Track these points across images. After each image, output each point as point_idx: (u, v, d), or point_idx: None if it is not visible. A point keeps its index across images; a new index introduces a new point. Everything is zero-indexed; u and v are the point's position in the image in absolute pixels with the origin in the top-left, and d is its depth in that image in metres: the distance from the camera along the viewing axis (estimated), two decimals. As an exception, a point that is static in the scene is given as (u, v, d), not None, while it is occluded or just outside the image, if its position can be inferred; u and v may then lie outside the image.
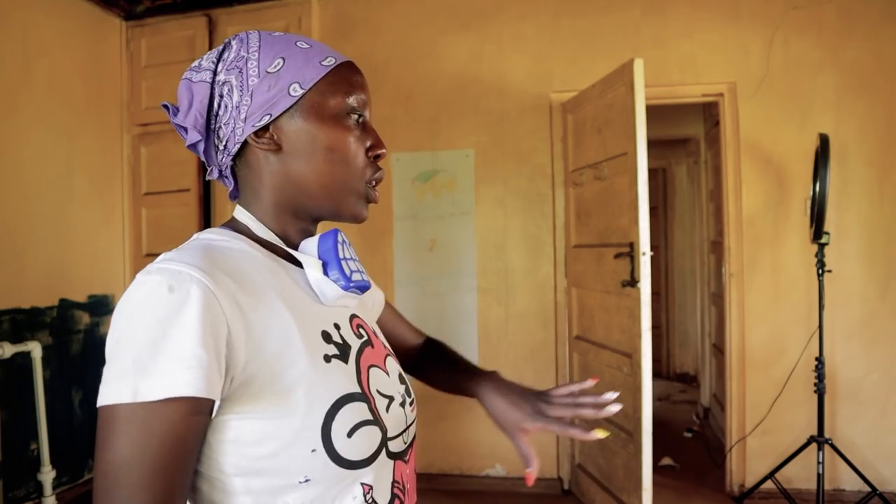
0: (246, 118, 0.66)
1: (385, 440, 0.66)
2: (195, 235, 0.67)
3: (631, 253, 2.41)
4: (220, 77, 0.67)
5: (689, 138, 4.84)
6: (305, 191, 0.68)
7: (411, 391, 0.77)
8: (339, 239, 0.69)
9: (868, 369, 2.83)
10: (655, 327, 2.94)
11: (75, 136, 3.12)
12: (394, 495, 0.67)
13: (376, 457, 0.64)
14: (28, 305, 2.80)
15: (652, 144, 2.56)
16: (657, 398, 4.51)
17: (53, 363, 2.91)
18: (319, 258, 0.68)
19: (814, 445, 2.65)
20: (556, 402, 0.79)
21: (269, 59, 0.66)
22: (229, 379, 0.55)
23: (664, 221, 5.54)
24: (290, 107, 0.66)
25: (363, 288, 0.70)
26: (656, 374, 4.38)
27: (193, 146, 0.69)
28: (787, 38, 2.87)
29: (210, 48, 3.35)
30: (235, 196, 0.72)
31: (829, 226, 2.67)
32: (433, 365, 0.96)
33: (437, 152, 3.17)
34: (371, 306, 0.87)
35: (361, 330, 0.73)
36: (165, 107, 0.70)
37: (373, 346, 0.73)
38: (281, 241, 0.69)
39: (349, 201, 0.69)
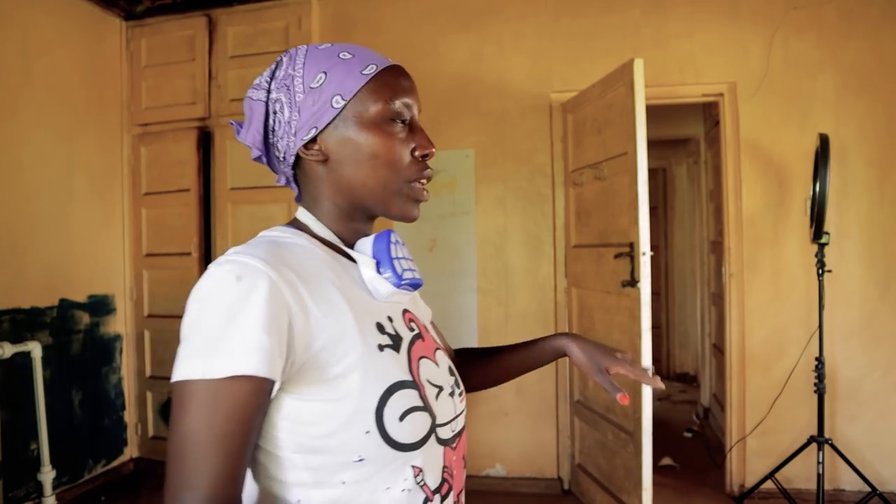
0: (296, 132, 0.71)
1: (434, 426, 0.70)
2: (261, 233, 0.72)
3: (631, 253, 2.41)
4: (273, 95, 0.72)
5: (689, 138, 4.84)
6: (355, 195, 0.72)
7: (460, 383, 0.80)
8: (393, 239, 0.73)
9: (868, 369, 2.83)
10: (655, 327, 2.93)
11: (75, 137, 3.12)
12: (443, 480, 0.71)
13: (426, 441, 0.68)
14: (28, 305, 2.80)
15: (652, 144, 2.56)
16: (657, 398, 4.51)
17: (53, 363, 2.91)
18: (373, 257, 0.72)
19: (814, 445, 2.65)
20: (620, 361, 0.91)
21: (312, 74, 0.70)
22: (290, 363, 0.60)
23: (664, 221, 5.54)
24: (334, 118, 0.70)
25: (415, 285, 0.75)
26: (656, 375, 4.37)
27: (258, 159, 0.77)
28: (787, 38, 2.87)
29: (210, 48, 3.35)
30: (299, 200, 0.78)
31: (829, 226, 2.67)
32: (482, 361, 0.99)
33: (438, 152, 3.16)
34: (423, 308, 0.92)
35: (413, 324, 0.77)
36: (233, 124, 0.78)
37: (423, 340, 0.77)
38: (339, 240, 0.74)
39: (396, 202, 0.72)
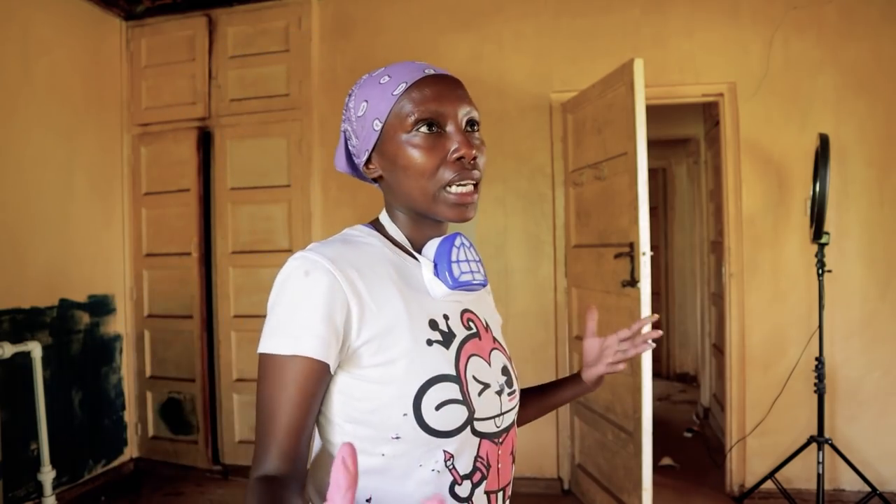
0: (358, 155, 0.82)
1: (471, 419, 0.75)
2: (344, 230, 0.84)
3: (631, 253, 2.41)
4: (345, 125, 0.84)
5: (689, 138, 4.84)
6: (407, 204, 0.80)
7: (513, 383, 0.85)
8: (457, 243, 0.79)
9: (868, 369, 2.83)
10: (655, 327, 2.93)
11: (75, 137, 3.12)
12: (476, 468, 0.77)
13: (460, 431, 0.74)
14: (28, 305, 2.81)
15: (652, 144, 2.56)
16: (657, 398, 4.51)
17: (53, 363, 2.91)
18: (433, 260, 0.79)
19: (814, 445, 2.65)
20: (607, 356, 0.99)
21: (358, 104, 0.80)
22: (346, 347, 0.71)
23: (664, 221, 5.54)
24: (377, 140, 0.78)
25: (471, 287, 0.79)
26: (656, 374, 4.38)
27: (358, 177, 0.90)
28: (787, 38, 2.87)
29: (210, 48, 3.35)
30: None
31: (829, 226, 2.67)
32: (527, 399, 1.02)
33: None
34: (492, 310, 0.94)
35: (471, 323, 0.82)
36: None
37: (480, 339, 0.82)
38: (408, 242, 0.82)
39: (439, 207, 0.77)
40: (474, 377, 0.77)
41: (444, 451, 0.73)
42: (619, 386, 2.55)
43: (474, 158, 0.76)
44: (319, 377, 0.69)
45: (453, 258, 0.78)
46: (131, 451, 3.46)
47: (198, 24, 3.37)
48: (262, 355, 0.70)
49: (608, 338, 0.99)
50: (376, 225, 0.84)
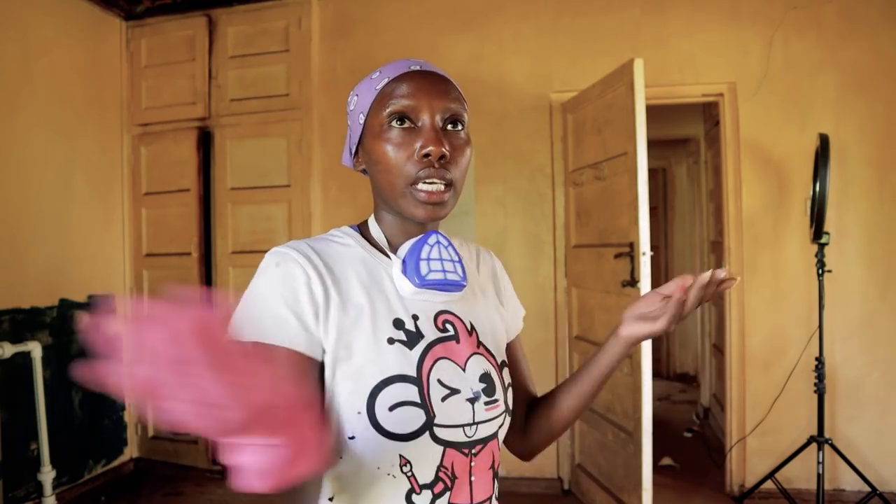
0: (351, 149, 0.83)
1: (430, 424, 0.71)
2: (329, 231, 0.83)
3: (631, 253, 2.41)
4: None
5: (689, 138, 4.84)
6: (383, 199, 0.79)
7: (495, 391, 0.78)
8: (431, 241, 0.77)
9: (868, 369, 2.83)
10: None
11: (75, 137, 3.12)
12: (438, 478, 0.72)
13: (417, 436, 0.70)
14: (28, 305, 2.81)
15: (652, 144, 2.56)
16: (657, 398, 4.51)
17: (53, 363, 2.91)
18: (402, 258, 0.76)
19: (814, 445, 2.65)
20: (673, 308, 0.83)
21: (351, 99, 0.81)
22: (317, 337, 0.69)
23: (664, 221, 5.54)
24: (361, 133, 0.78)
25: (442, 286, 0.76)
26: (656, 374, 4.38)
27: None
28: (787, 38, 2.87)
29: (210, 48, 3.35)
30: None
31: (829, 226, 2.66)
32: (558, 391, 0.91)
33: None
34: (495, 315, 0.88)
35: (448, 325, 0.78)
36: None
37: (457, 342, 0.77)
38: (385, 242, 0.80)
39: (403, 204, 0.75)
40: (439, 381, 0.73)
41: (400, 456, 0.70)
42: (619, 386, 2.55)
43: (442, 157, 0.72)
44: (294, 364, 0.68)
45: (423, 256, 0.75)
46: (131, 451, 3.46)
47: (198, 24, 3.37)
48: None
49: (675, 291, 0.85)
50: (361, 226, 0.84)
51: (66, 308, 3.03)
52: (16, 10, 2.77)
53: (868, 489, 2.63)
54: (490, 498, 0.78)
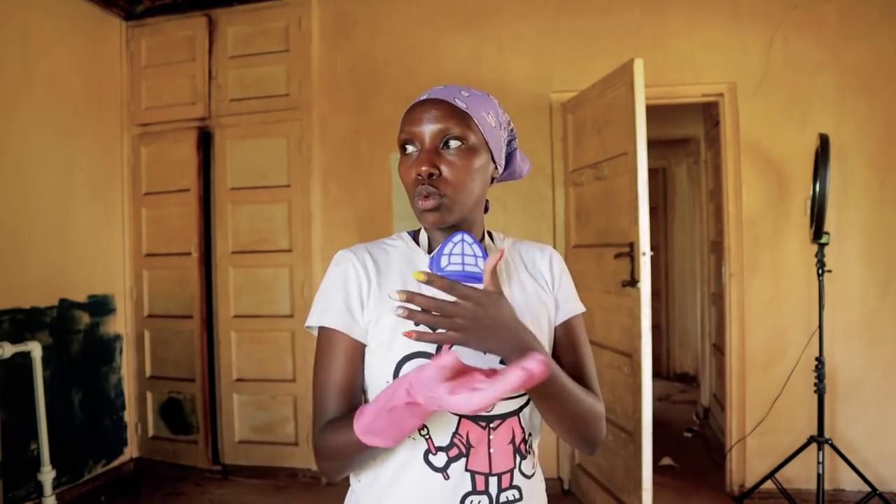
0: None
1: None
2: (390, 236, 0.98)
3: (631, 253, 2.41)
4: None
5: (689, 138, 4.84)
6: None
7: None
8: (456, 239, 0.86)
9: (868, 369, 2.83)
10: (655, 327, 2.93)
11: (75, 137, 3.12)
12: (453, 443, 0.82)
13: None
14: (28, 305, 2.81)
15: (652, 144, 2.56)
16: (657, 398, 4.51)
17: (53, 363, 2.91)
18: (431, 255, 0.88)
19: (814, 445, 2.65)
20: None
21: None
22: (364, 321, 0.86)
23: (664, 221, 5.54)
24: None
25: (459, 278, 0.83)
26: (656, 374, 4.38)
27: None
28: (787, 38, 2.87)
29: (210, 48, 3.35)
30: None
31: (829, 226, 2.66)
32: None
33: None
34: (538, 300, 0.94)
35: None
36: None
37: None
38: (427, 242, 0.95)
39: (416, 215, 0.88)
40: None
41: (424, 428, 0.82)
42: (619, 386, 2.55)
43: (430, 175, 0.84)
44: (346, 344, 0.85)
45: (445, 251, 0.85)
46: (131, 451, 3.46)
47: (198, 24, 3.37)
48: (309, 328, 0.90)
49: None
50: (416, 231, 0.98)
51: (66, 308, 3.03)
52: (16, 10, 2.77)
53: (868, 489, 2.63)
54: (512, 470, 0.85)
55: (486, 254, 0.86)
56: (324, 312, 0.87)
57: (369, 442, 0.75)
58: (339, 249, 0.94)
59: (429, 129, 0.85)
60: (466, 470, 0.82)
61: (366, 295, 0.87)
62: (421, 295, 0.72)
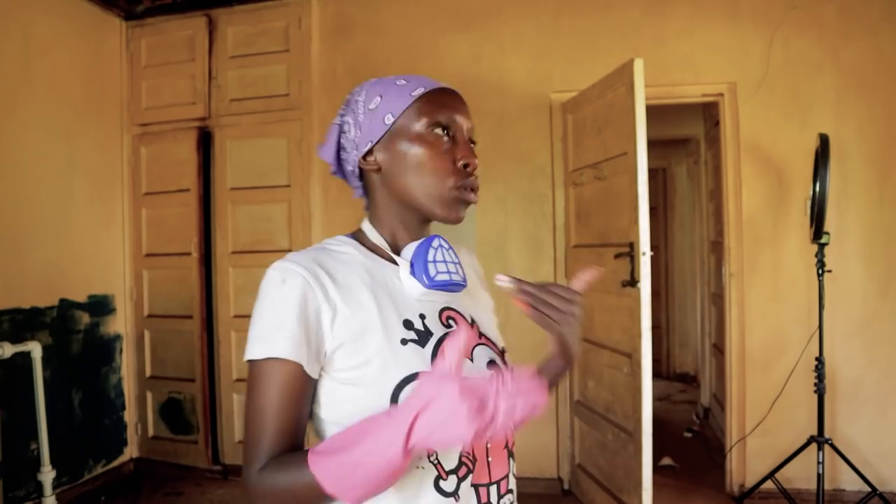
0: (357, 147, 0.83)
1: None
2: (324, 240, 0.85)
3: (631, 253, 2.41)
4: (345, 118, 0.85)
5: (689, 138, 4.84)
6: (404, 201, 0.82)
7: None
8: (435, 244, 0.82)
9: (868, 369, 2.83)
10: (655, 327, 2.93)
11: (75, 137, 3.12)
12: (461, 463, 0.77)
13: None
14: (28, 305, 2.80)
15: (652, 144, 2.56)
16: (657, 398, 4.51)
17: (53, 363, 2.91)
18: (410, 261, 0.81)
19: (814, 445, 2.65)
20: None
21: (371, 98, 0.82)
22: (323, 351, 0.74)
23: (664, 221, 5.54)
24: (385, 133, 0.81)
25: (449, 287, 0.80)
26: (656, 374, 4.38)
27: (335, 173, 0.90)
28: (787, 38, 2.87)
29: (210, 48, 3.35)
30: (367, 209, 0.88)
31: (829, 226, 2.66)
32: None
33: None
34: (481, 304, 0.97)
35: (451, 321, 0.83)
36: (318, 147, 0.90)
37: None
38: (388, 246, 0.84)
39: (439, 206, 0.81)
40: None
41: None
42: (619, 386, 2.55)
43: (475, 168, 0.81)
44: (299, 378, 0.72)
45: (430, 258, 0.80)
46: (131, 451, 3.46)
47: (198, 24, 3.37)
48: (248, 362, 0.74)
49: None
50: (357, 234, 0.87)
51: (66, 308, 3.03)
52: (16, 10, 2.77)
53: (868, 489, 2.63)
54: (507, 475, 0.83)
55: (458, 257, 0.84)
56: (273, 341, 0.71)
57: (339, 495, 0.64)
58: None
59: (467, 122, 0.83)
60: (472, 485, 0.78)
61: (329, 317, 0.73)
62: (537, 285, 0.75)
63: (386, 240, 0.85)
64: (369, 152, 0.82)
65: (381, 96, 0.81)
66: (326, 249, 0.82)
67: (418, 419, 0.60)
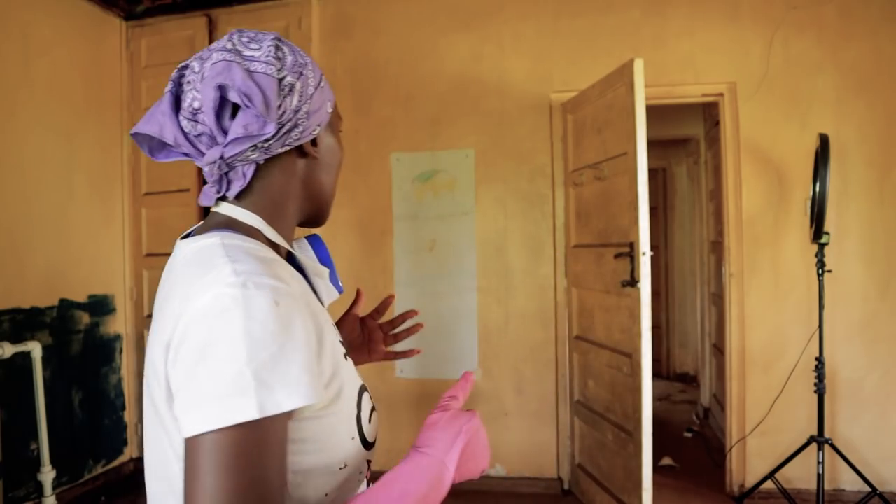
0: (300, 125, 0.65)
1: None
2: (217, 241, 0.60)
3: (631, 253, 2.41)
4: (286, 77, 0.63)
5: (689, 138, 4.84)
6: (320, 197, 0.74)
7: None
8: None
9: (868, 369, 2.83)
10: (655, 327, 2.93)
11: (75, 137, 3.12)
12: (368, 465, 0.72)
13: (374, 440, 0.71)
14: (28, 305, 2.80)
15: (652, 144, 2.56)
16: (657, 398, 4.51)
17: (53, 363, 2.91)
18: (324, 265, 0.74)
19: (814, 445, 2.65)
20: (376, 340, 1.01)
21: (317, 76, 0.69)
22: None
23: (664, 221, 5.54)
24: (326, 122, 0.71)
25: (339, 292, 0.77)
26: (656, 374, 4.38)
27: (169, 154, 0.68)
28: (787, 38, 2.87)
29: (210, 48, 3.34)
30: (225, 197, 0.66)
31: (829, 226, 2.67)
32: None
33: (437, 152, 3.17)
34: None
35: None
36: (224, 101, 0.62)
37: None
38: (287, 245, 0.69)
39: (328, 210, 0.77)
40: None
41: (367, 462, 0.68)
42: (619, 386, 2.55)
43: None
44: (284, 427, 0.54)
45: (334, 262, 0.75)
46: (131, 451, 3.46)
47: (198, 24, 3.37)
48: (224, 432, 0.48)
49: (368, 320, 1.00)
50: (243, 229, 0.65)
51: (66, 308, 3.03)
52: (16, 10, 2.77)
53: (868, 489, 2.63)
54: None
55: None
56: (290, 385, 0.51)
57: None
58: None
59: None
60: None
61: (318, 345, 0.58)
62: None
63: (297, 249, 0.74)
64: (314, 140, 0.70)
65: (324, 85, 0.69)
66: (260, 256, 0.60)
67: (458, 455, 0.59)
